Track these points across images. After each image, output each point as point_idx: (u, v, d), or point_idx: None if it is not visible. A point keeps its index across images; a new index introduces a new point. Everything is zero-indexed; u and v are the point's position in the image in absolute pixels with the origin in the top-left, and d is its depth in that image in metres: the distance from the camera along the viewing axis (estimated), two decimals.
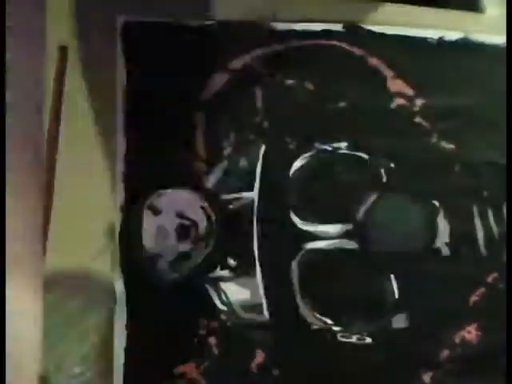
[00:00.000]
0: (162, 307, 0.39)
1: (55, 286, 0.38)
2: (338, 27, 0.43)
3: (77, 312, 0.38)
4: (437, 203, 0.41)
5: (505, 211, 0.42)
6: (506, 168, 0.41)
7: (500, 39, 0.44)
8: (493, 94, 0.43)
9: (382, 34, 0.43)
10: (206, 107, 0.41)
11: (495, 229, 0.41)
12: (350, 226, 0.41)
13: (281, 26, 0.43)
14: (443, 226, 0.41)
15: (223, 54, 0.42)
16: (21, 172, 0.38)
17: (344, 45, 0.43)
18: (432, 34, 0.44)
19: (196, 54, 0.42)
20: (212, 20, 0.42)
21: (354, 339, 0.40)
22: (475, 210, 0.42)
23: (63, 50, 0.41)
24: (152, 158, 0.40)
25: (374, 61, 0.43)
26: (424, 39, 0.43)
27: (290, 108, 0.42)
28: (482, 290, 0.41)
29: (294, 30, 0.42)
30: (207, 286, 0.40)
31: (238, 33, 0.42)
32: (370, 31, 0.43)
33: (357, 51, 0.43)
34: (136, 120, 0.41)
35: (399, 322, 0.40)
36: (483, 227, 0.41)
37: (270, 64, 0.42)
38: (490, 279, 0.41)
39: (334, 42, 0.43)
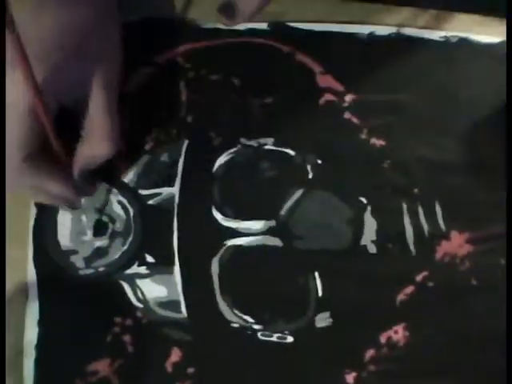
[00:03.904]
0: (75, 304, 0.38)
1: None
2: (263, 26, 0.42)
3: None
4: (364, 200, 0.41)
5: (436, 209, 0.41)
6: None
7: (433, 34, 0.43)
8: (429, 91, 0.43)
9: (310, 31, 0.42)
10: (128, 100, 0.40)
11: (425, 227, 0.41)
12: (273, 223, 0.40)
13: (206, 25, 0.42)
14: (370, 223, 0.40)
15: (147, 49, 0.41)
16: None
17: (271, 42, 0.42)
18: (362, 29, 0.43)
19: None
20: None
21: (274, 338, 0.39)
22: (404, 207, 0.41)
23: None
24: None
25: (302, 57, 0.42)
26: (354, 34, 0.43)
27: (215, 103, 0.42)
28: (410, 288, 0.40)
29: (219, 29, 0.42)
30: (123, 282, 0.39)
31: (162, 29, 0.42)
32: (297, 29, 0.42)
33: (284, 48, 0.42)
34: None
35: (323, 320, 0.39)
36: (412, 225, 0.40)
37: (195, 59, 0.42)
38: (419, 278, 0.40)
39: (261, 40, 0.42)
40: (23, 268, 0.39)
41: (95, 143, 0.36)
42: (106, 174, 0.40)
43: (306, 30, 0.42)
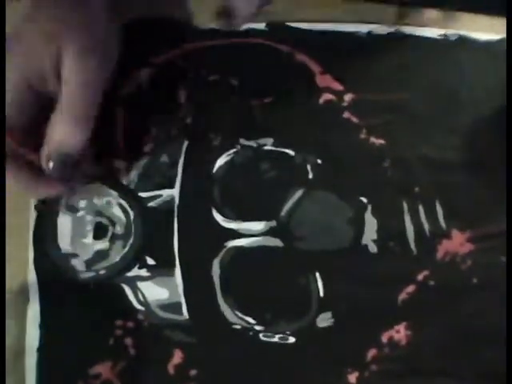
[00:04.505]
0: (76, 307, 0.38)
1: None
2: (262, 26, 0.42)
3: None
4: (364, 200, 0.41)
5: (437, 208, 0.41)
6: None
7: (432, 32, 0.43)
8: (428, 89, 0.42)
9: (309, 31, 0.42)
10: (127, 102, 0.40)
11: (426, 226, 0.40)
12: (273, 224, 0.40)
13: (204, 25, 0.42)
14: (371, 222, 0.40)
15: (144, 49, 0.41)
16: None
17: (270, 42, 0.42)
18: (361, 28, 0.43)
19: None
20: None
21: (276, 339, 0.39)
22: (405, 206, 0.41)
23: None
24: None
25: (301, 57, 0.42)
26: (353, 34, 0.43)
27: (214, 103, 0.41)
28: (411, 288, 0.40)
29: (217, 29, 0.42)
30: (124, 285, 0.39)
31: (161, 29, 0.42)
32: (296, 28, 0.42)
33: (283, 48, 0.42)
34: None
35: (324, 321, 0.39)
36: (413, 224, 0.40)
37: (194, 60, 0.42)
38: (420, 277, 0.40)
39: (260, 40, 0.42)
40: (24, 271, 0.39)
41: (62, 126, 0.32)
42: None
43: (305, 30, 0.42)
